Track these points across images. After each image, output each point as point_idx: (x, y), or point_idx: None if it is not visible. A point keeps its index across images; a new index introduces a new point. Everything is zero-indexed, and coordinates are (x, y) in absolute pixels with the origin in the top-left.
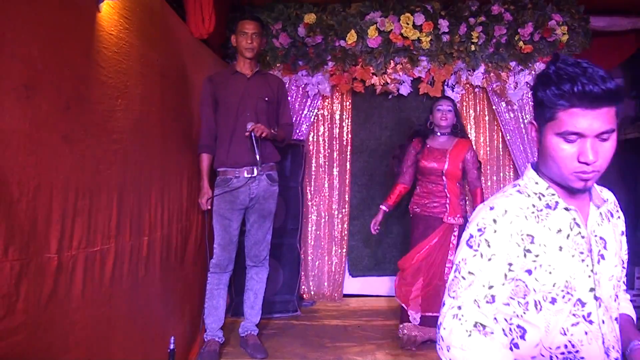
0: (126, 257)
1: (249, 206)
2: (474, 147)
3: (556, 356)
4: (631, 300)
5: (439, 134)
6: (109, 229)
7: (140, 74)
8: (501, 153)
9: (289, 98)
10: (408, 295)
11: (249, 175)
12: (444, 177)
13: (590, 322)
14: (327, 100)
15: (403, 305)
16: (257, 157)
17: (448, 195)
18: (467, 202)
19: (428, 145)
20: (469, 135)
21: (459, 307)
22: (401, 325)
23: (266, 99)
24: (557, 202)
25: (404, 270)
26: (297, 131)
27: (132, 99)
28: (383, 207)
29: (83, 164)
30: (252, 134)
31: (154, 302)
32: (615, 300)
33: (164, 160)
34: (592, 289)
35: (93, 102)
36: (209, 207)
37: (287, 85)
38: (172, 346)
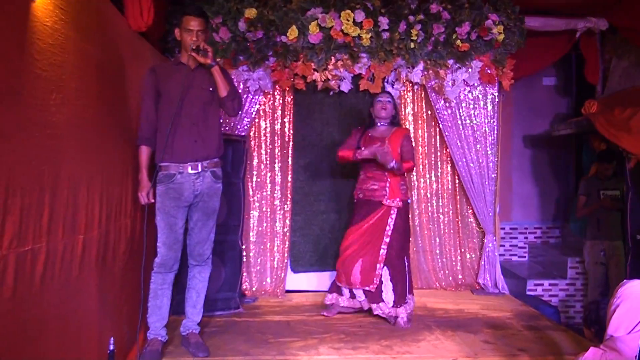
0: (58, 256)
1: (192, 203)
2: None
3: None
4: (563, 290)
5: (379, 124)
6: (40, 228)
7: (76, 67)
8: (439, 149)
9: None
10: (348, 278)
11: (194, 171)
12: None
13: None
14: (268, 95)
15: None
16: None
17: (389, 179)
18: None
19: (369, 134)
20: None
21: None
22: (331, 295)
23: (210, 89)
24: None
25: (342, 253)
26: (238, 126)
27: (68, 93)
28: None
29: (14, 160)
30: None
31: (90, 302)
32: None
33: (102, 155)
34: None
35: (26, 96)
36: (151, 201)
37: None
38: (111, 347)
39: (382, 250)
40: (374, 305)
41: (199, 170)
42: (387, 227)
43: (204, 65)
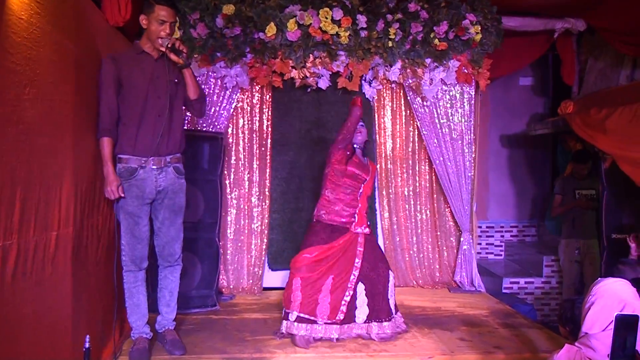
0: (30, 253)
1: (155, 199)
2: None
3: None
4: (539, 288)
5: (356, 146)
6: (11, 224)
7: (52, 62)
8: (417, 147)
9: (207, 90)
10: (314, 302)
11: (156, 167)
12: (361, 187)
13: None
14: (246, 92)
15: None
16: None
17: (359, 205)
18: None
19: (355, 156)
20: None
21: None
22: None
23: (175, 80)
24: None
25: (300, 271)
26: (216, 123)
27: (43, 88)
28: None
29: None
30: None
31: (65, 300)
32: None
33: (77, 152)
34: None
35: None
36: (122, 195)
37: (204, 77)
38: (87, 345)
39: (352, 277)
40: (345, 327)
41: (162, 165)
42: (357, 255)
43: (176, 64)
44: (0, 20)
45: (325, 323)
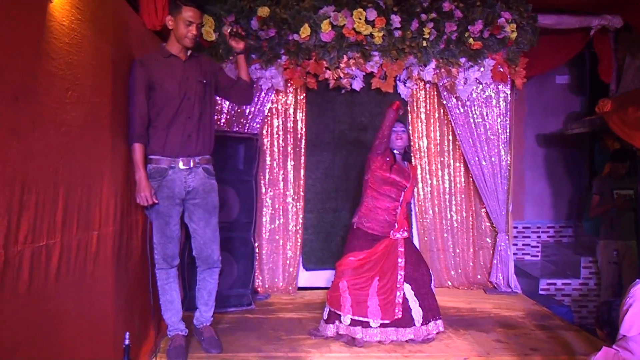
0: (73, 252)
1: (186, 199)
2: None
3: None
4: (576, 289)
5: (396, 152)
6: (54, 223)
7: (92, 66)
8: (452, 147)
9: None
10: (364, 304)
11: (185, 167)
12: (402, 193)
13: None
14: (280, 94)
15: (338, 311)
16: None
17: (398, 212)
18: None
19: (396, 163)
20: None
21: None
22: (328, 327)
23: (204, 81)
24: None
25: (344, 274)
26: (251, 124)
27: (83, 91)
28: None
29: (30, 157)
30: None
31: (105, 298)
32: None
33: (117, 152)
34: None
35: (42, 94)
36: (156, 201)
37: None
38: (127, 341)
39: (398, 277)
40: (404, 330)
41: (191, 166)
42: (399, 255)
43: (233, 49)
44: (43, 27)
45: (381, 326)
